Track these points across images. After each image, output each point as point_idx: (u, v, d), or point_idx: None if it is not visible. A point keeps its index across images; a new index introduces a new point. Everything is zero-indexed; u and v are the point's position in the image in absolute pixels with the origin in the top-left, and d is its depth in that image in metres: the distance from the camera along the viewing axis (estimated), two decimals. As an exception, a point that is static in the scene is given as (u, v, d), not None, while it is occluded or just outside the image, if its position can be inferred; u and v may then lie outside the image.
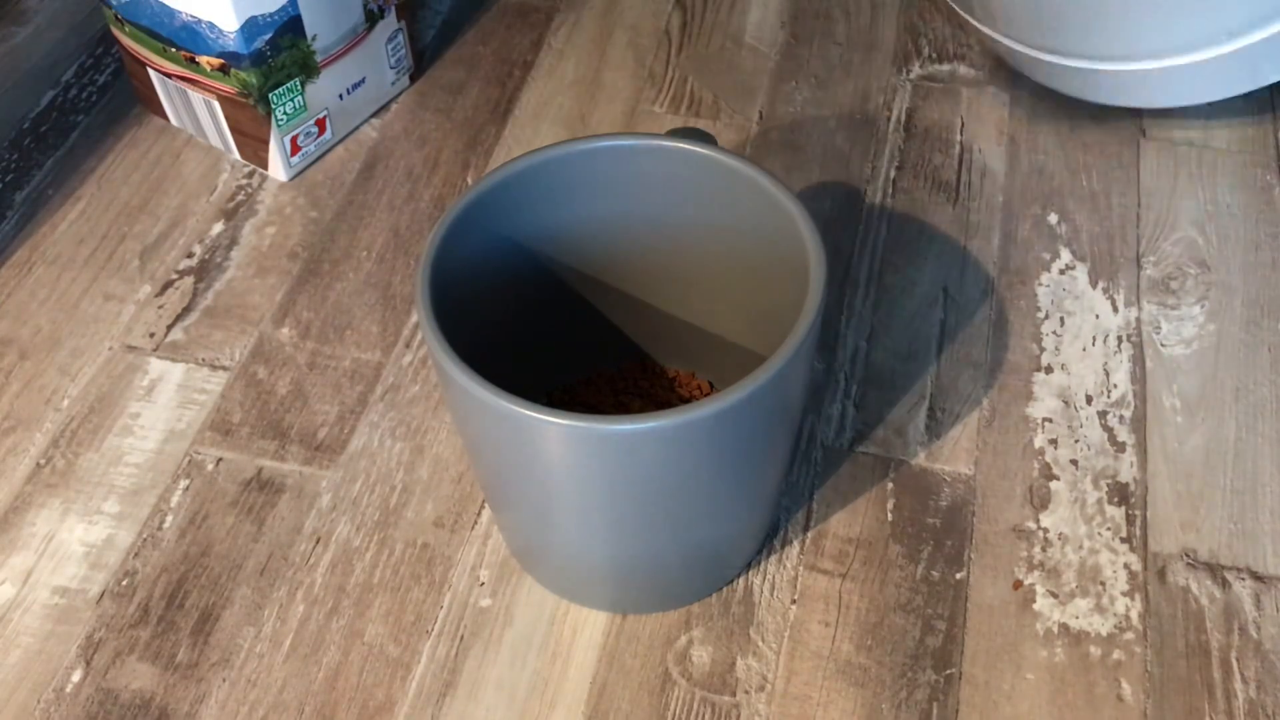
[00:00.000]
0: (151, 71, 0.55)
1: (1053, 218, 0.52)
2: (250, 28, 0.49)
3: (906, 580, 0.41)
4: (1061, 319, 0.49)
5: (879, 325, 0.49)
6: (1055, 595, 0.41)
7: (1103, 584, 0.41)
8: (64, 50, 0.62)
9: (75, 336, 0.49)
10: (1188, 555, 0.42)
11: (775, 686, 0.39)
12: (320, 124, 0.55)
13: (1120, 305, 0.49)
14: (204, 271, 0.51)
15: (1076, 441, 0.45)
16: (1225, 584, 0.41)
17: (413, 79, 0.59)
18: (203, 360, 0.48)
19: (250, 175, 0.55)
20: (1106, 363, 0.47)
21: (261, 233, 0.53)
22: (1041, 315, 0.49)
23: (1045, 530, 0.42)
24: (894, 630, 0.40)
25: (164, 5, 0.50)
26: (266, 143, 0.53)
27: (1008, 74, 0.59)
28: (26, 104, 0.59)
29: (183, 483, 0.44)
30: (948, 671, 0.39)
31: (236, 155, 0.56)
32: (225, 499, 0.44)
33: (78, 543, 0.43)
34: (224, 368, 0.48)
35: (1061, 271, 0.50)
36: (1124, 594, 0.41)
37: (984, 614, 0.40)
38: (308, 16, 0.51)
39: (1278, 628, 0.40)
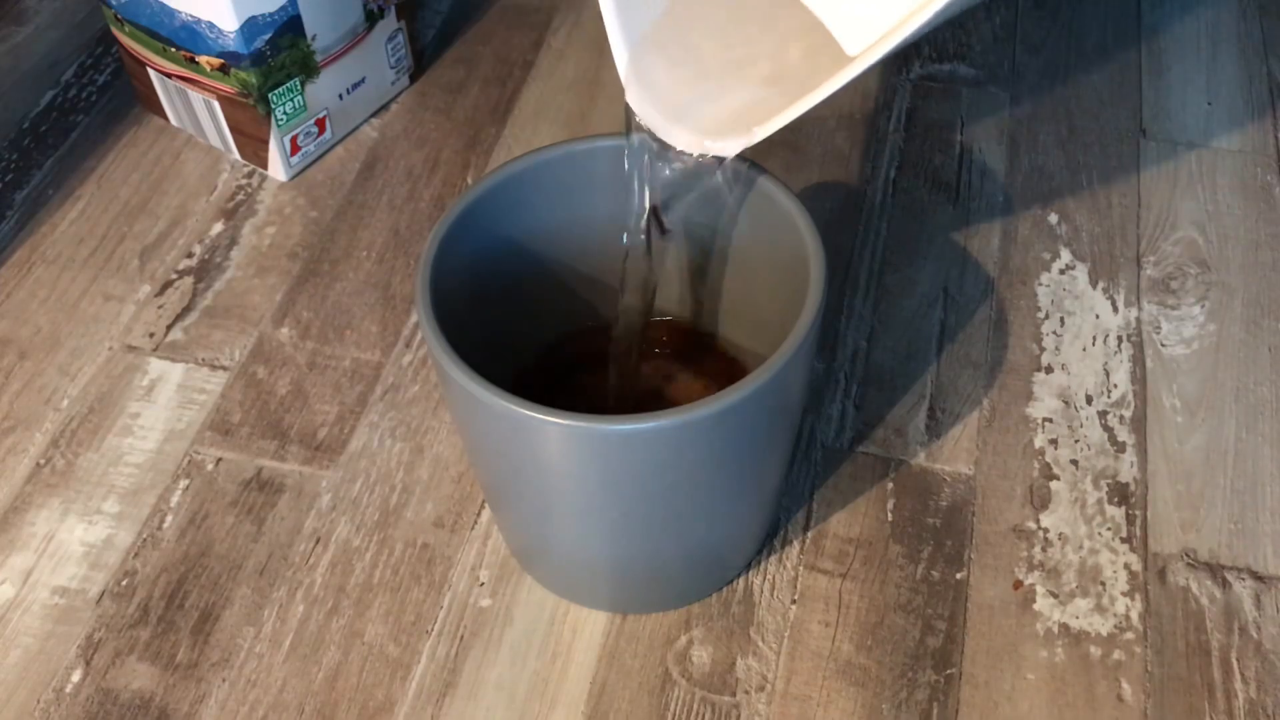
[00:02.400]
0: (151, 71, 0.55)
1: (1053, 218, 0.52)
2: (250, 28, 0.49)
3: (906, 580, 0.41)
4: (1061, 319, 0.49)
5: (879, 325, 0.49)
6: (1055, 595, 0.41)
7: (1103, 584, 0.41)
8: (64, 50, 0.62)
9: (75, 336, 0.49)
10: (1188, 555, 0.42)
11: (775, 686, 0.39)
12: (320, 124, 0.55)
13: (1120, 305, 0.49)
14: (204, 271, 0.51)
15: (1076, 441, 0.45)
16: (1225, 584, 0.41)
17: (413, 79, 0.59)
18: (203, 360, 0.48)
19: (250, 175, 0.55)
20: (1106, 363, 0.47)
21: (261, 233, 0.53)
22: (1041, 315, 0.49)
23: (1045, 530, 0.42)
24: (894, 630, 0.40)
25: (164, 5, 0.50)
26: (266, 143, 0.53)
27: (1008, 74, 0.59)
28: (26, 104, 0.59)
29: (182, 483, 0.44)
30: (948, 671, 0.39)
31: (236, 155, 0.56)
32: (225, 499, 0.44)
33: (77, 543, 0.43)
34: (224, 368, 0.48)
35: (1061, 271, 0.50)
36: (1124, 594, 0.41)
37: (984, 614, 0.40)
38: (307, 16, 0.51)
39: (1278, 628, 0.40)
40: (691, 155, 0.35)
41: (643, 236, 0.38)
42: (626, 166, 0.38)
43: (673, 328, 0.44)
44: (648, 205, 0.37)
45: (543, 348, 0.43)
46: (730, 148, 0.35)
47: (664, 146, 0.36)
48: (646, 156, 0.37)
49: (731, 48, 0.37)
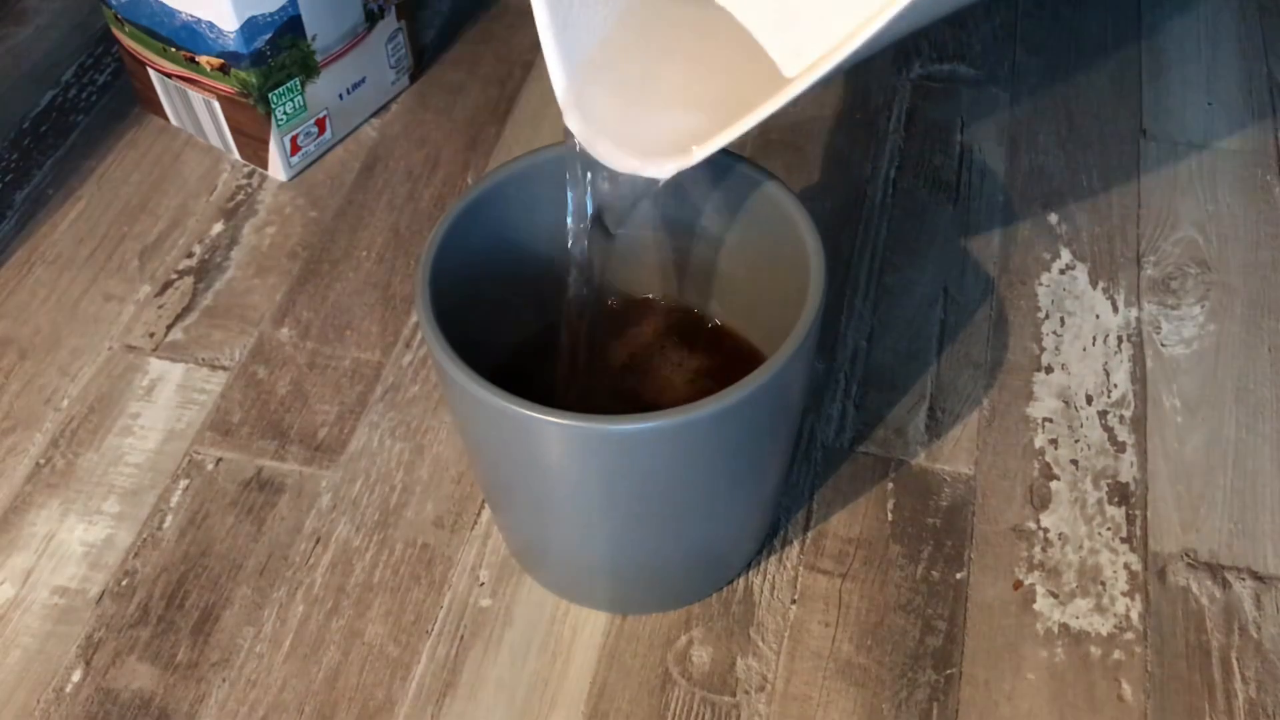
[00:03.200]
0: (151, 71, 0.55)
1: (1053, 218, 0.52)
2: (250, 28, 0.49)
3: (906, 580, 0.41)
4: (1062, 319, 0.49)
5: (879, 325, 0.49)
6: (1055, 595, 0.41)
7: (1103, 584, 0.41)
8: (64, 50, 0.62)
9: (75, 336, 0.49)
10: (1188, 555, 0.42)
11: (775, 686, 0.39)
12: (320, 124, 0.55)
13: (1120, 305, 0.49)
14: (204, 271, 0.51)
15: (1077, 441, 0.45)
16: (1225, 584, 0.41)
17: (413, 79, 0.59)
18: (203, 360, 0.48)
19: (250, 175, 0.55)
20: (1107, 363, 0.47)
21: (261, 233, 0.53)
22: (1041, 315, 0.49)
23: (1045, 530, 0.42)
24: (894, 630, 0.40)
25: (164, 5, 0.50)
26: (266, 142, 0.53)
27: (1008, 74, 0.59)
28: (26, 104, 0.59)
29: (182, 483, 0.44)
30: (948, 671, 0.39)
31: (236, 155, 0.56)
32: (225, 499, 0.44)
33: (77, 543, 0.43)
34: (224, 368, 0.48)
35: (1061, 271, 0.50)
36: (1124, 594, 0.41)
37: (984, 614, 0.40)
38: (308, 16, 0.51)
39: (1278, 628, 0.40)
40: (630, 177, 0.35)
41: (586, 242, 0.38)
42: (568, 190, 0.37)
43: (674, 326, 0.44)
44: (589, 214, 0.37)
45: (543, 347, 0.43)
46: (667, 169, 0.35)
47: (602, 168, 0.36)
48: (587, 176, 0.37)
49: (670, 71, 0.37)
